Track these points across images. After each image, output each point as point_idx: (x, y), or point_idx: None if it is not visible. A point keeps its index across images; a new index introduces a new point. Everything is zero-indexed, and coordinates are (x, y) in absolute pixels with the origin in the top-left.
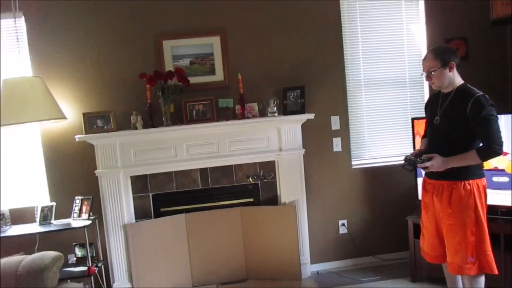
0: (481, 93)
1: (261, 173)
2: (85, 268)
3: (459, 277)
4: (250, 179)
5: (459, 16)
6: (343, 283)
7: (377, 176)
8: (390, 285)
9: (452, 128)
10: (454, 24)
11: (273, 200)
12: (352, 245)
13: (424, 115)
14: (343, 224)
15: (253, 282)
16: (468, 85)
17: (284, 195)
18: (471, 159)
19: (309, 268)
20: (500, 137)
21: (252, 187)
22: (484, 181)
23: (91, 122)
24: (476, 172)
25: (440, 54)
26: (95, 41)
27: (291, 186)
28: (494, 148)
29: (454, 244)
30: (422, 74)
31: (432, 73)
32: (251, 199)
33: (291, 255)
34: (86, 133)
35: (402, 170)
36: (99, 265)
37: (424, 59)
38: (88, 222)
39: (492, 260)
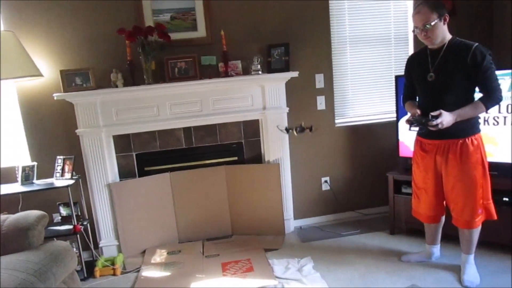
0: (478, 43)
1: (303, 124)
2: (70, 227)
3: (440, 230)
4: (294, 131)
5: None
6: (325, 237)
7: (360, 134)
8: (369, 238)
9: (450, 81)
10: None
11: (257, 158)
12: (334, 201)
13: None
14: (325, 181)
15: (238, 238)
16: (458, 38)
17: (268, 154)
18: (479, 109)
19: (292, 224)
20: (500, 85)
21: (236, 146)
22: (481, 133)
23: (69, 80)
24: (478, 126)
25: (435, 6)
26: None
27: (275, 144)
28: (497, 96)
29: (463, 199)
30: (414, 30)
31: (429, 26)
32: (235, 158)
33: (275, 211)
34: (65, 91)
35: (384, 128)
36: (85, 223)
37: (418, 13)
38: (71, 182)
39: (492, 207)
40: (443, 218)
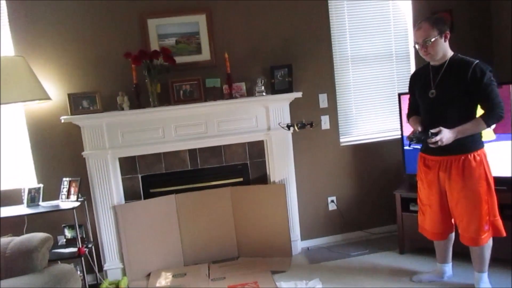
0: (478, 60)
1: (304, 120)
2: (75, 249)
3: (450, 247)
4: (295, 127)
5: None
6: (333, 257)
7: (365, 152)
8: (379, 258)
9: (451, 98)
10: None
11: (263, 179)
12: (341, 220)
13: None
14: (332, 201)
15: (244, 260)
16: (459, 55)
17: (274, 174)
18: (480, 126)
19: (299, 245)
20: (502, 101)
21: (242, 166)
22: (484, 149)
23: (76, 103)
24: (480, 141)
25: (436, 23)
26: (78, 20)
27: (280, 165)
28: (498, 112)
29: (468, 216)
30: (415, 45)
31: (429, 42)
32: (241, 179)
33: (281, 232)
34: (72, 114)
35: (389, 146)
36: (90, 246)
37: (419, 29)
38: (77, 204)
39: (500, 223)
40: (452, 235)
